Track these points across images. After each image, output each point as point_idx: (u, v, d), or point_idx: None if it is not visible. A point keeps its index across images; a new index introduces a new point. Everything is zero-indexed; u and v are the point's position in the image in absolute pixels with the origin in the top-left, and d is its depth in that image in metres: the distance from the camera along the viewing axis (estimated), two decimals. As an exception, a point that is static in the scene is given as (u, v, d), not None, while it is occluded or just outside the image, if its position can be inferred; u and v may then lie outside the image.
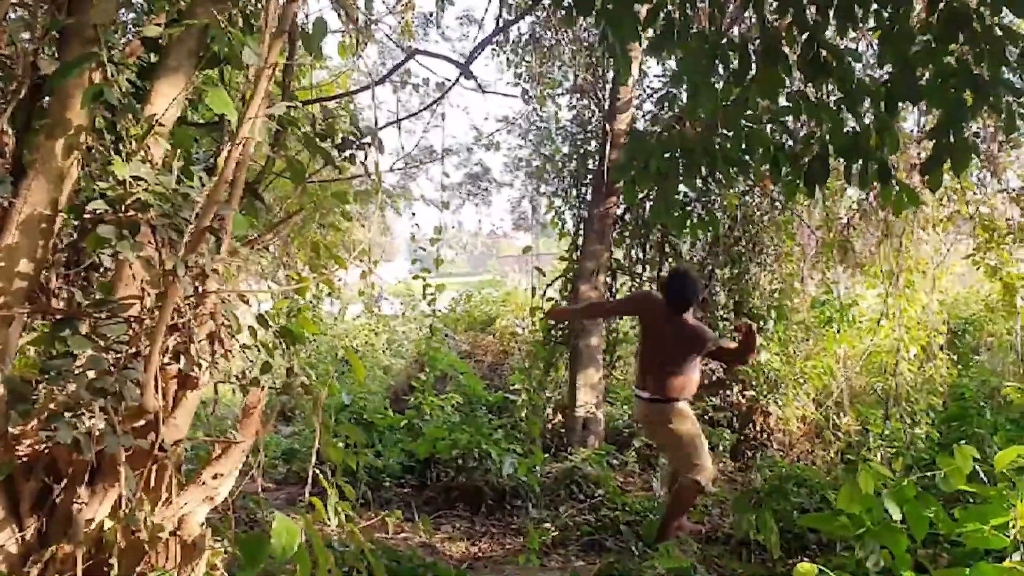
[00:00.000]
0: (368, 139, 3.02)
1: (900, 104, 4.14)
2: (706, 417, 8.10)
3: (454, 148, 13.80)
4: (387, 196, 11.91)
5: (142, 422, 2.50)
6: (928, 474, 3.07)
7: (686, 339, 5.46)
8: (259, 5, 3.12)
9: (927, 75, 3.84)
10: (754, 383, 8.26)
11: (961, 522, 2.77)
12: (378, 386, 10.35)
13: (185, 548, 2.54)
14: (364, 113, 9.42)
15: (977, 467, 3.03)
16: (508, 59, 9.60)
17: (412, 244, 10.31)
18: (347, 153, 2.97)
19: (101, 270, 2.88)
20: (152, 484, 2.55)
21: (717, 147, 4.53)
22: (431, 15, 10.70)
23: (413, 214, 11.07)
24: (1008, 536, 2.61)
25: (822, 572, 2.66)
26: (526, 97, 9.85)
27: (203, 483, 2.61)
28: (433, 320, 9.85)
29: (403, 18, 8.15)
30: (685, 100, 4.41)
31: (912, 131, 7.91)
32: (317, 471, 2.93)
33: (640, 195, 5.96)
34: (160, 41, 2.83)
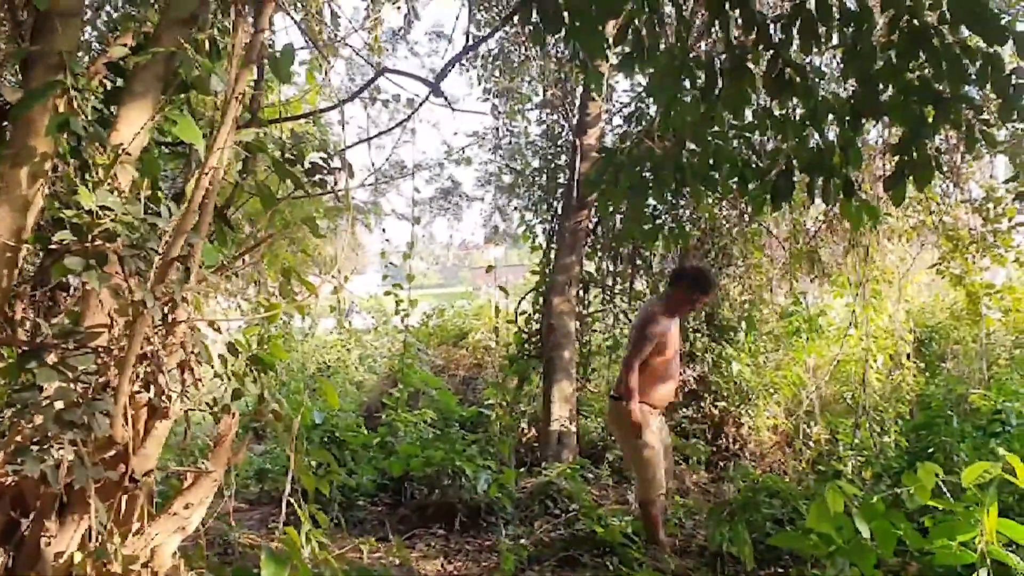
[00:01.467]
0: (338, 163, 3.02)
1: (863, 120, 4.22)
2: (680, 428, 8.16)
3: (424, 163, 13.78)
4: (358, 212, 11.88)
5: (112, 453, 2.47)
6: (897, 490, 3.11)
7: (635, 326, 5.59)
8: (225, 26, 3.11)
9: (889, 91, 3.91)
10: (725, 394, 8.32)
11: (930, 538, 2.81)
12: (350, 403, 10.29)
13: (157, 580, 2.51)
14: (333, 129, 9.42)
15: (945, 478, 3.07)
16: (477, 75, 9.65)
17: (383, 259, 10.28)
18: (317, 177, 2.96)
19: (68, 292, 2.85)
20: (123, 515, 2.52)
21: (685, 162, 4.59)
22: (399, 30, 10.71)
23: (384, 230, 11.05)
24: (975, 552, 2.66)
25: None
26: (496, 112, 9.89)
27: (174, 513, 2.58)
28: (406, 335, 9.82)
29: (371, 34, 8.14)
30: (654, 115, 4.47)
31: (876, 142, 8.01)
32: (290, 499, 2.91)
33: (612, 208, 6.01)
34: (124, 62, 2.80)
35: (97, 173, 2.47)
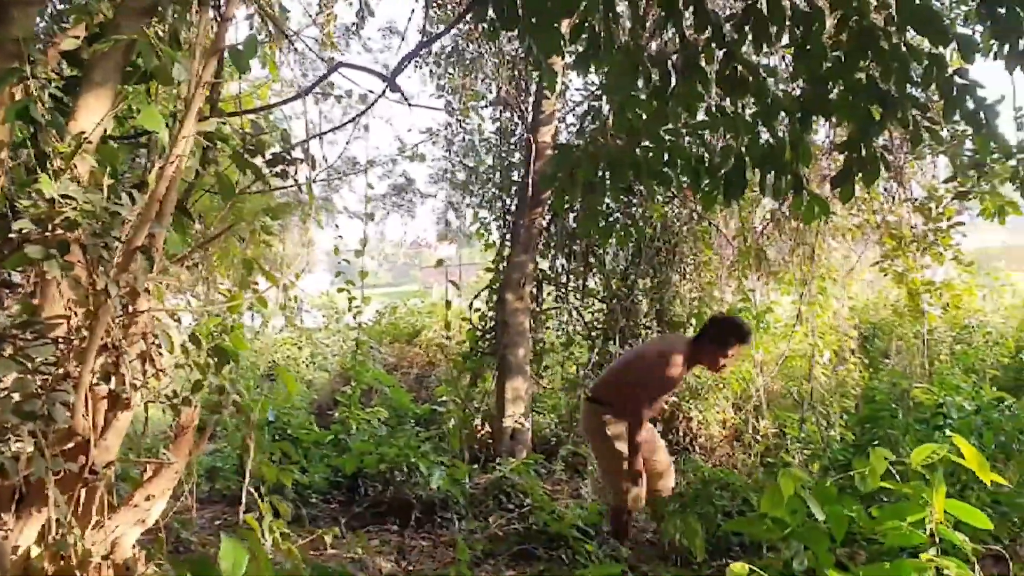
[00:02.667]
0: (299, 154, 3.01)
1: (812, 118, 4.32)
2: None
3: (378, 159, 13.71)
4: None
5: (71, 444, 2.44)
6: (847, 474, 3.20)
7: (643, 355, 5.41)
8: (177, 17, 3.08)
9: (838, 90, 4.01)
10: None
11: (880, 520, 2.90)
12: (302, 401, 10.20)
13: (117, 572, 2.48)
14: (286, 124, 9.34)
15: (891, 467, 3.17)
16: (431, 71, 9.64)
17: (335, 256, 10.19)
18: (278, 168, 2.95)
19: (12, 289, 2.81)
20: (82, 508, 2.49)
21: (640, 159, 4.64)
22: (353, 25, 10.64)
23: (336, 226, 10.97)
24: (924, 532, 2.76)
25: (753, 572, 2.75)
26: (450, 109, 9.88)
27: (135, 505, 2.56)
28: (359, 333, 9.77)
29: (324, 29, 8.10)
30: (607, 112, 4.51)
31: (824, 142, 8.18)
32: (250, 490, 2.89)
33: (568, 205, 6.06)
34: (80, 52, 2.77)
35: (56, 162, 2.43)
